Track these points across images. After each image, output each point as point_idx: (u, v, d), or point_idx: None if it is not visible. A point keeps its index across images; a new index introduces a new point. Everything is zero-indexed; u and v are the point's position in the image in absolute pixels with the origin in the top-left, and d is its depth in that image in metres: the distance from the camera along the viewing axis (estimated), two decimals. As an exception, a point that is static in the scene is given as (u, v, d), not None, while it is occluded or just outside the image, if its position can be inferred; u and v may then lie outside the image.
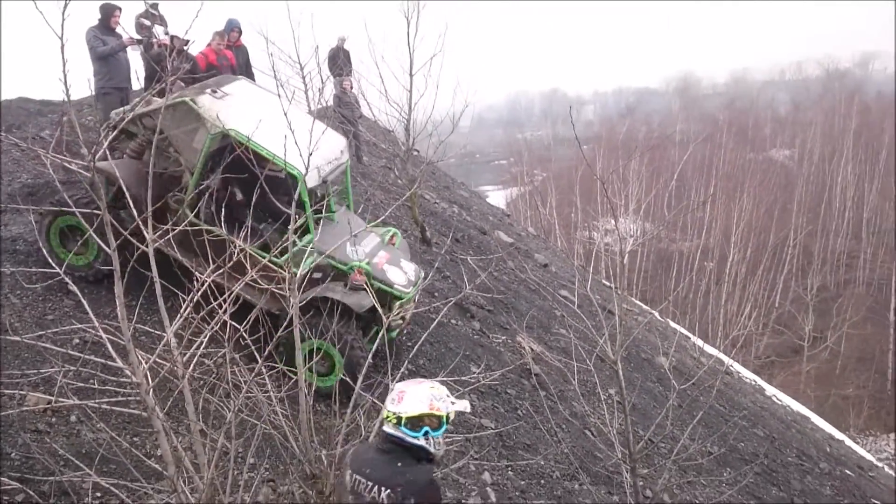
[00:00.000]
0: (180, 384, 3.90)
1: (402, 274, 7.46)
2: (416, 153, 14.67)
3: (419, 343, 6.79)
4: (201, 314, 3.99)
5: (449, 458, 5.59)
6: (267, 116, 6.16)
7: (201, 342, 4.03)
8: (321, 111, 15.58)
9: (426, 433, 3.49)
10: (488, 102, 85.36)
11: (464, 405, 3.62)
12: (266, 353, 4.38)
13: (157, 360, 3.88)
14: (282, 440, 4.64)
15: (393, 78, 11.46)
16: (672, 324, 20.49)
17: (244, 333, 4.41)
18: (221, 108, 6.68)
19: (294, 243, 5.71)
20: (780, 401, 18.52)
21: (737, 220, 41.35)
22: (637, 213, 43.81)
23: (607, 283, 19.74)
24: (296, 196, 5.23)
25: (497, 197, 50.94)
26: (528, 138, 73.86)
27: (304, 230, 6.96)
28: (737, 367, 19.40)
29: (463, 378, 6.15)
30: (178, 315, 3.97)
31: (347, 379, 5.75)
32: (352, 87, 14.50)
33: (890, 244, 44.04)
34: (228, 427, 4.09)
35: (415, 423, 3.47)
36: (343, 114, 14.50)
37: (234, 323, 4.25)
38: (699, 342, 17.84)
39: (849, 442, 19.49)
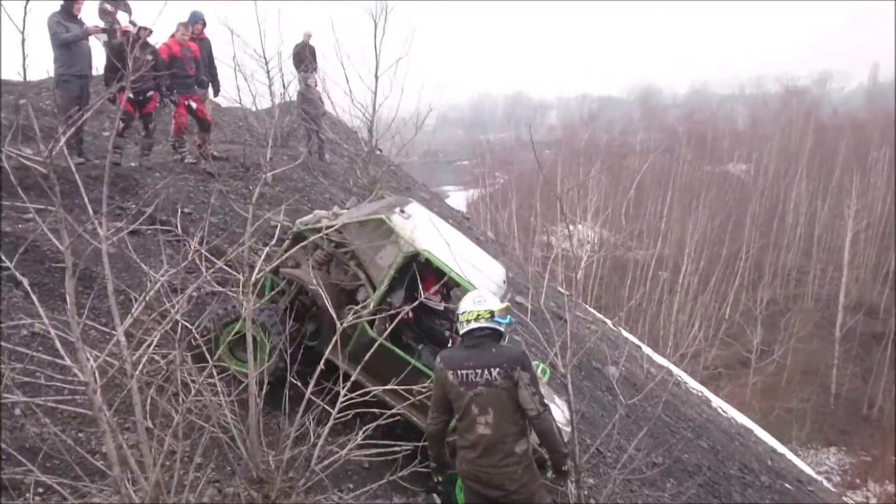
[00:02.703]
0: (129, 384, 3.87)
1: (560, 412, 7.18)
2: (379, 153, 14.66)
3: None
4: (153, 315, 3.97)
5: (398, 465, 5.64)
6: (445, 241, 6.35)
7: (151, 342, 4.00)
8: (284, 106, 15.50)
9: (508, 321, 4.68)
10: (452, 102, 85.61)
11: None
12: (217, 355, 4.36)
13: (107, 358, 3.84)
14: (229, 442, 4.62)
15: (358, 79, 11.49)
16: (624, 332, 20.74)
17: (196, 335, 4.39)
18: (412, 229, 6.65)
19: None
20: (725, 412, 18.88)
21: (692, 232, 42.10)
22: (595, 220, 44.30)
23: (563, 291, 19.94)
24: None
25: (458, 197, 51.04)
26: (490, 140, 73.96)
27: None
28: (684, 377, 19.73)
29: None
30: (129, 314, 3.94)
31: None
32: (316, 85, 14.44)
33: (839, 261, 45.16)
34: (176, 427, 4.07)
35: (501, 313, 4.60)
36: (306, 110, 14.44)
37: (185, 323, 4.22)
38: (649, 351, 18.10)
39: (790, 455, 19.93)
